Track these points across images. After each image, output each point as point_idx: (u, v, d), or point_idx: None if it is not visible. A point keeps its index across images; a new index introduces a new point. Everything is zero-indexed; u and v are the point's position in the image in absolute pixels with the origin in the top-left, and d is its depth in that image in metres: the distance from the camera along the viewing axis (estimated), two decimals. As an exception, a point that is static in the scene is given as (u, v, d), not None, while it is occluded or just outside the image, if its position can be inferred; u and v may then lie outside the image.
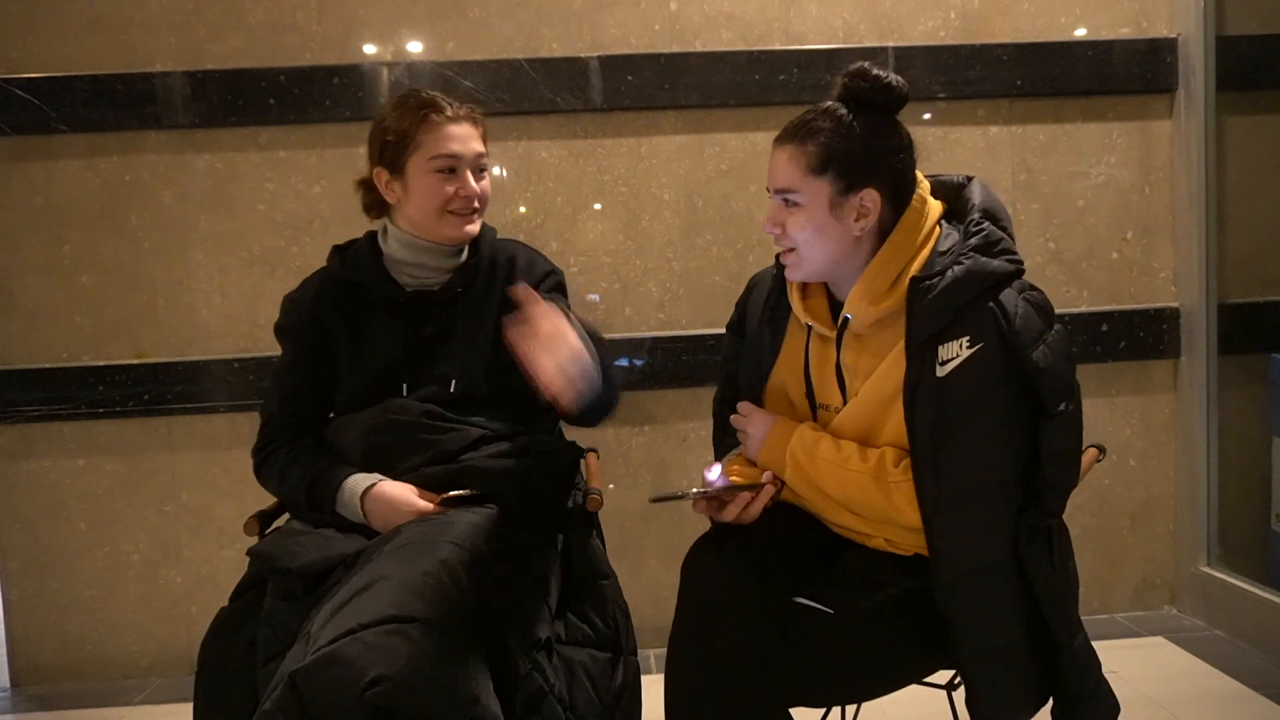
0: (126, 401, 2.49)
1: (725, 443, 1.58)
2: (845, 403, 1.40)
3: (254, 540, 1.54)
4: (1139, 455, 2.69)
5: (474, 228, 1.62)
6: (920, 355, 1.30)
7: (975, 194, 1.41)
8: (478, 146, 1.60)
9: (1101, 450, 1.58)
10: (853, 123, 1.34)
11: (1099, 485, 2.67)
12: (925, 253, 1.35)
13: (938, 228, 1.38)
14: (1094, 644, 1.40)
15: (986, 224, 1.36)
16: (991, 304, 1.29)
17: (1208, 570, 2.59)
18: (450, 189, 1.57)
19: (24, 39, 2.45)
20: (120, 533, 2.55)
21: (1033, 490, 1.32)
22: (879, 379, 1.34)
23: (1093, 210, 2.63)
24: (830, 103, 1.37)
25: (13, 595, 2.55)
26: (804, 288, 1.45)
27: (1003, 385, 1.28)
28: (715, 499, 1.37)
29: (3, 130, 2.44)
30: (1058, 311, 2.70)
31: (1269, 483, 2.54)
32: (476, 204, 1.60)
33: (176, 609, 2.57)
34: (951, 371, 1.28)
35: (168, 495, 2.55)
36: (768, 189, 1.40)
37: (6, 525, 2.54)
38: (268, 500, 1.68)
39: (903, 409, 1.30)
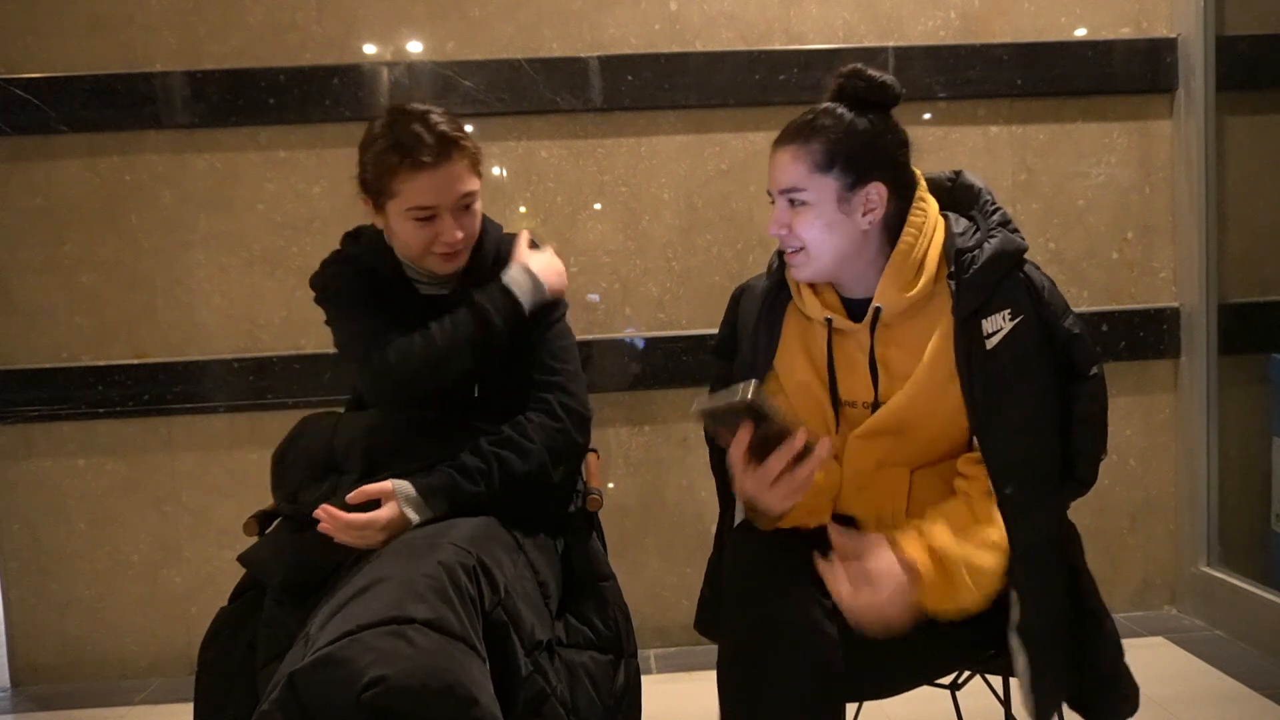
0: (126, 401, 2.49)
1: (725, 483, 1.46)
2: (876, 396, 1.39)
3: (253, 541, 1.53)
4: (1139, 455, 2.69)
5: (458, 263, 1.57)
6: (965, 330, 1.32)
7: (976, 180, 1.45)
8: (461, 187, 1.50)
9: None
10: (854, 119, 1.35)
11: (1099, 485, 2.63)
12: (938, 240, 1.37)
13: (941, 218, 1.41)
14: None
15: (1000, 204, 1.41)
16: (1022, 276, 1.35)
17: (1208, 570, 2.59)
18: (429, 235, 1.50)
19: (24, 39, 2.45)
20: (120, 533, 2.55)
21: (1066, 464, 1.37)
22: (930, 365, 1.34)
23: (1093, 210, 2.63)
24: (828, 103, 1.37)
25: (13, 595, 2.55)
26: (813, 284, 1.44)
27: (1040, 355, 1.33)
28: (761, 419, 1.18)
29: (3, 130, 2.44)
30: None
31: (1269, 483, 2.54)
32: (461, 245, 1.53)
33: (176, 609, 2.57)
34: (999, 344, 1.31)
35: (168, 495, 2.55)
36: (768, 191, 1.39)
37: (6, 525, 2.54)
38: (267, 500, 1.68)
39: (959, 387, 1.32)
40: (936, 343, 1.34)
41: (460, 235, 1.51)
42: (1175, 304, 2.64)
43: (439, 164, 1.47)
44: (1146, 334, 2.63)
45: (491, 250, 1.64)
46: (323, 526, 1.38)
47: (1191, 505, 2.64)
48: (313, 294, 1.64)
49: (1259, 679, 2.22)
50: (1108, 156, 2.63)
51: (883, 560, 1.25)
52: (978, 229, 1.38)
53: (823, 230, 1.34)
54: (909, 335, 1.37)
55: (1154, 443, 2.68)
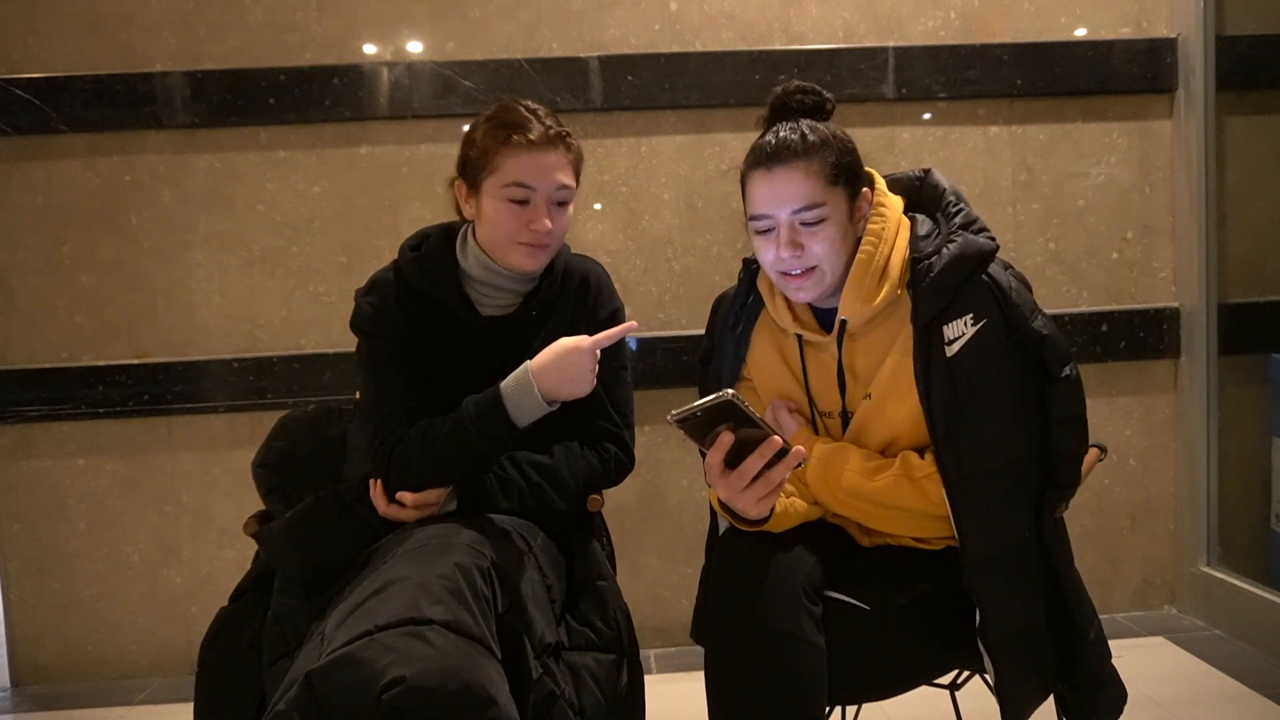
0: (126, 401, 2.49)
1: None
2: (844, 407, 1.41)
3: (253, 544, 1.53)
4: (1139, 455, 2.69)
5: (542, 261, 1.51)
6: (925, 338, 1.31)
7: (942, 180, 1.44)
8: (561, 177, 1.48)
9: (1103, 450, 1.59)
10: (834, 130, 1.37)
11: (1099, 485, 2.67)
12: (901, 243, 1.37)
13: (905, 219, 1.41)
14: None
15: (963, 204, 1.40)
16: (986, 279, 1.33)
17: (1208, 570, 2.59)
18: (520, 221, 1.46)
19: (24, 39, 2.45)
20: (120, 533, 2.55)
21: (1048, 466, 1.35)
22: (892, 372, 1.35)
23: (1093, 210, 2.63)
24: (800, 120, 1.38)
25: (13, 595, 2.55)
26: (785, 298, 1.44)
27: (1009, 358, 1.32)
28: (739, 424, 1.20)
29: (3, 130, 2.44)
30: (1058, 311, 2.72)
31: (1269, 483, 2.54)
32: (548, 240, 1.49)
33: (176, 609, 2.57)
34: (960, 350, 1.30)
35: (168, 495, 2.55)
36: (762, 215, 1.36)
37: (6, 525, 2.54)
38: (268, 500, 1.68)
39: (917, 395, 1.32)
40: (897, 353, 1.34)
41: (550, 226, 1.47)
42: (1175, 304, 2.64)
43: (544, 148, 1.46)
44: (1146, 334, 2.63)
45: (561, 270, 1.58)
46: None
47: (1191, 505, 2.64)
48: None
49: (1259, 679, 2.22)
50: (1108, 156, 2.63)
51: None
52: (940, 232, 1.37)
53: (839, 244, 1.34)
54: (875, 344, 1.37)
55: (1154, 443, 2.68)
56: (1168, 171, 2.63)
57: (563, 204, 1.50)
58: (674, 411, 1.18)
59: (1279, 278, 2.61)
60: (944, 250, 1.33)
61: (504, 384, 1.43)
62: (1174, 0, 2.58)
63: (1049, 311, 1.38)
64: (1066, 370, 1.33)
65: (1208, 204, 2.56)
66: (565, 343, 1.42)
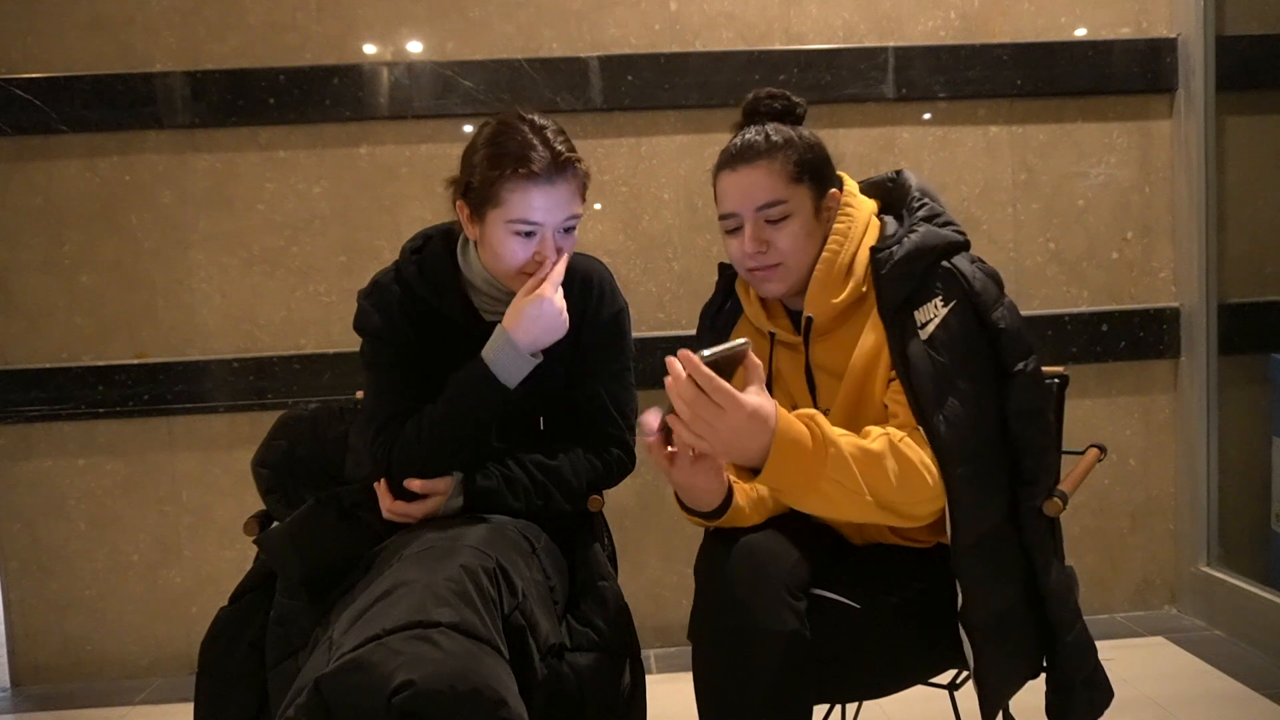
0: (126, 401, 2.49)
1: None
2: (815, 405, 1.41)
3: (254, 545, 1.53)
4: (1139, 455, 2.69)
5: None
6: (898, 324, 1.33)
7: (910, 179, 1.47)
8: (570, 209, 1.44)
9: (1102, 450, 1.59)
10: (799, 132, 1.41)
11: (1099, 485, 2.67)
12: (869, 242, 1.39)
13: (875, 219, 1.43)
14: (1094, 644, 1.41)
15: (929, 200, 1.43)
16: (948, 266, 1.35)
17: (1208, 570, 2.59)
18: (526, 252, 1.44)
19: (24, 39, 2.45)
20: (120, 533, 2.55)
21: (1012, 459, 1.35)
22: (856, 367, 1.36)
23: (1093, 210, 2.63)
24: (766, 124, 1.42)
25: (13, 595, 2.55)
26: (761, 299, 1.47)
27: (979, 339, 1.33)
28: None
29: (3, 130, 2.44)
30: (1057, 311, 2.71)
31: (1269, 483, 2.54)
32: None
33: (176, 609, 2.57)
34: (934, 330, 1.32)
35: (168, 495, 2.55)
36: (729, 214, 1.39)
37: (6, 525, 2.54)
38: (268, 500, 1.68)
39: (897, 376, 1.32)
40: (863, 344, 1.36)
41: (556, 258, 1.46)
42: (1175, 304, 2.64)
43: (552, 180, 1.41)
44: (1146, 334, 2.63)
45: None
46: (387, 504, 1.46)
47: (1191, 505, 2.64)
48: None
49: (1259, 679, 2.22)
50: (1108, 156, 2.63)
51: (752, 393, 1.15)
52: (903, 228, 1.40)
53: (804, 240, 1.37)
54: (843, 341, 1.39)
55: (1154, 443, 2.69)
56: (1168, 171, 2.63)
57: (569, 231, 1.49)
58: (705, 352, 1.11)
59: (1279, 278, 2.61)
60: (904, 240, 1.36)
61: (485, 350, 1.45)
62: (1174, 0, 2.58)
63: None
64: (1021, 365, 1.34)
65: (1208, 204, 2.56)
66: (524, 299, 1.44)
